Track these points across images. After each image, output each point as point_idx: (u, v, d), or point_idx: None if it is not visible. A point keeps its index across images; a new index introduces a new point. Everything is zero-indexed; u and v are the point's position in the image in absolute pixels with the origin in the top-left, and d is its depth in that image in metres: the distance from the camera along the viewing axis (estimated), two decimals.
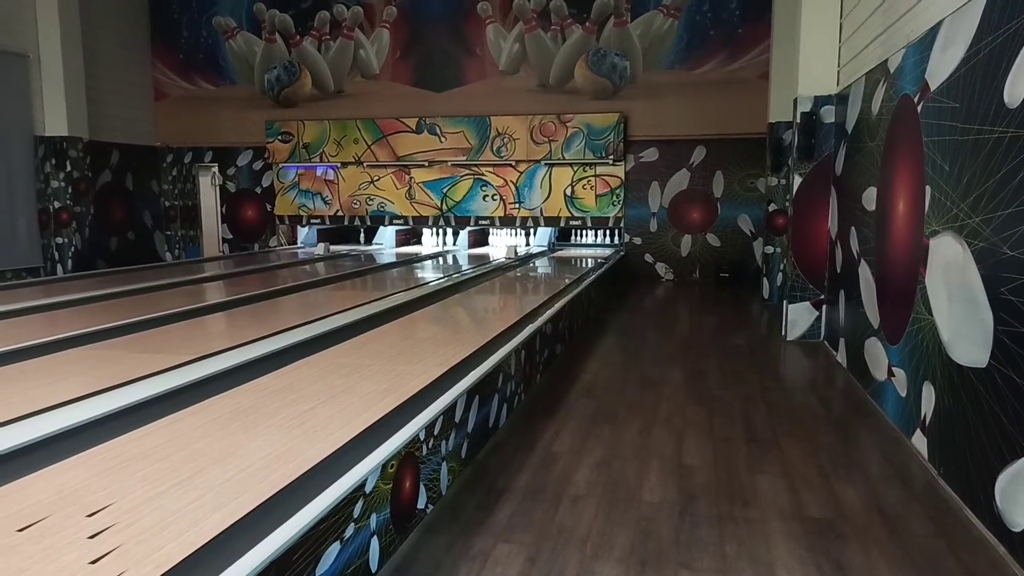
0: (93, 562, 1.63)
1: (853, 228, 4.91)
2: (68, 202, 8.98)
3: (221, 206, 10.95)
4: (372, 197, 10.31)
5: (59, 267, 8.99)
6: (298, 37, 10.40)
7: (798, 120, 5.83)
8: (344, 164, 10.27)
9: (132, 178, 10.36)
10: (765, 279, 8.11)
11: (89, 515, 1.86)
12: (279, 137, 10.32)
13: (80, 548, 1.69)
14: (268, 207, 10.75)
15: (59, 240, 9.00)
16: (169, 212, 11.04)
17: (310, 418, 2.66)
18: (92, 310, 5.19)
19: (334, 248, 10.34)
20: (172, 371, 3.27)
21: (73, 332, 4.12)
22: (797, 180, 5.91)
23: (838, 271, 5.40)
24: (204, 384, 3.10)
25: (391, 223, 10.54)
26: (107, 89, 9.81)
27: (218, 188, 10.91)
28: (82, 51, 9.08)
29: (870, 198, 4.47)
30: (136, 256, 10.15)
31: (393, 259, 9.15)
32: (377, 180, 10.26)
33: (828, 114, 5.71)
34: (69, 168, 8.93)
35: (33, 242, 8.88)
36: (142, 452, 2.32)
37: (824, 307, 5.82)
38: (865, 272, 4.53)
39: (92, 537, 1.75)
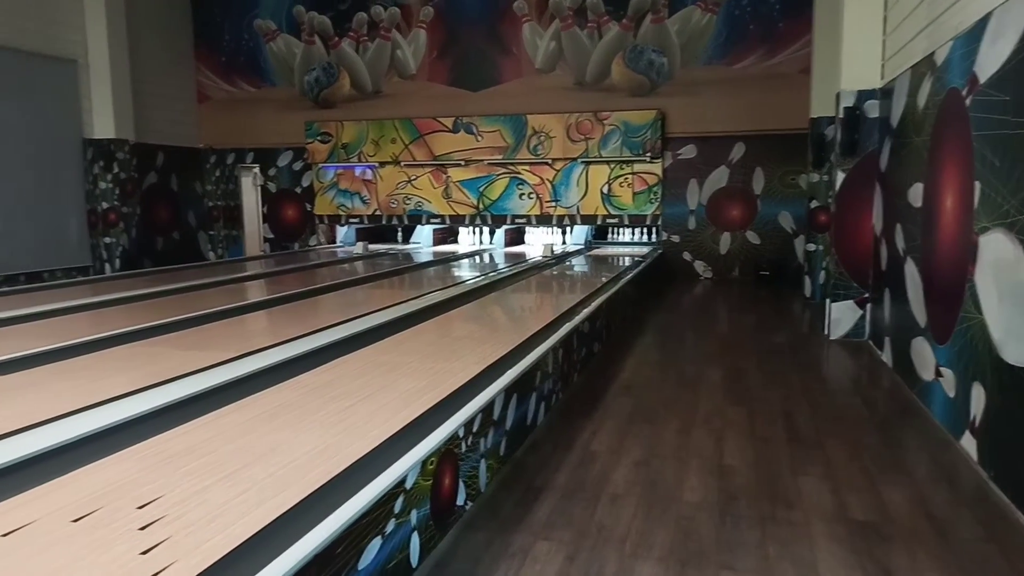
0: (144, 552, 1.67)
1: (899, 225, 4.80)
2: (116, 203, 9.20)
3: (262, 206, 11.15)
4: (410, 196, 10.38)
5: (107, 266, 9.23)
6: (336, 39, 10.52)
7: (841, 115, 5.72)
8: (382, 164, 10.36)
9: (177, 179, 10.60)
10: (807, 277, 7.98)
11: (139, 507, 1.91)
12: (318, 138, 10.45)
13: (131, 539, 1.74)
14: (308, 207, 10.90)
15: (107, 240, 9.23)
16: (212, 212, 11.26)
17: (351, 415, 2.70)
18: (138, 308, 5.32)
19: (372, 247, 10.44)
20: (215, 368, 3.34)
21: (119, 330, 4.23)
22: (840, 176, 5.80)
23: (883, 269, 5.28)
24: (247, 381, 3.16)
25: (428, 222, 10.61)
26: (152, 92, 10.04)
27: (260, 188, 11.10)
28: (128, 55, 9.31)
29: (916, 194, 4.37)
30: (181, 255, 10.38)
31: (430, 258, 9.21)
32: (414, 179, 10.33)
33: (872, 109, 5.59)
34: (116, 170, 9.16)
35: (83, 242, 9.13)
36: (187, 447, 2.37)
37: (868, 305, 5.70)
38: (911, 270, 4.43)
39: (142, 529, 1.79)
